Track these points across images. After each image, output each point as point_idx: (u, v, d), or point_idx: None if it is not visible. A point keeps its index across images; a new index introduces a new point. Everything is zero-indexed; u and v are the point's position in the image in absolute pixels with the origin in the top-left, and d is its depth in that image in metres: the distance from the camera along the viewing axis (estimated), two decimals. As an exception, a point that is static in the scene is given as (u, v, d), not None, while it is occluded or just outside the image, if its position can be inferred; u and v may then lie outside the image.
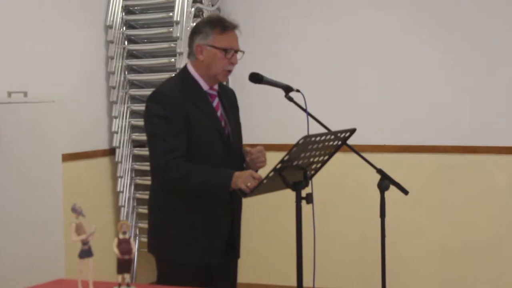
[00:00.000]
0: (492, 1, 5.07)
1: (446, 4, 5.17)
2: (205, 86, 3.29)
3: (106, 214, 5.44)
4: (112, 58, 5.42)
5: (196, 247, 3.23)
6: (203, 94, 3.28)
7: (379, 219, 3.17)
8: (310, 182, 3.04)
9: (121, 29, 5.48)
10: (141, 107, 5.26)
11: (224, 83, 3.53)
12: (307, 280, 3.05)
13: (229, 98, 3.43)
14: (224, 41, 3.24)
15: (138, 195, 5.51)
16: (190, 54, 3.32)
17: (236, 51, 3.27)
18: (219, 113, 3.30)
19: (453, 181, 5.18)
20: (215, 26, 3.24)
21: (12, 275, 3.92)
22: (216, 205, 3.23)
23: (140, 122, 5.26)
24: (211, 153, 3.22)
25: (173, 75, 3.54)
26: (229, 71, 3.30)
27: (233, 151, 3.30)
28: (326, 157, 3.11)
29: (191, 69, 3.30)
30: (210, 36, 3.23)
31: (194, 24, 3.69)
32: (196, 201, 3.19)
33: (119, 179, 5.45)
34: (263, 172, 3.01)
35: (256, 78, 3.30)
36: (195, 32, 3.30)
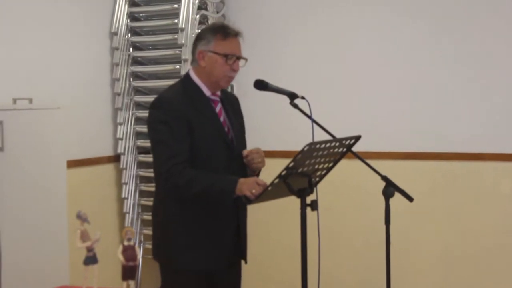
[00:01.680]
0: (498, 7, 5.06)
1: (450, 10, 5.17)
2: (207, 92, 3.30)
3: (111, 221, 5.44)
4: (117, 64, 5.43)
5: (200, 254, 3.23)
6: (206, 100, 3.29)
7: (383, 226, 3.17)
8: (315, 189, 3.04)
9: (126, 36, 5.49)
10: (146, 113, 5.22)
11: (229, 89, 3.55)
12: (312, 287, 3.05)
13: (232, 105, 3.44)
14: (225, 47, 3.25)
15: (142, 202, 5.51)
16: (193, 61, 3.34)
17: (238, 58, 3.28)
18: (222, 119, 3.31)
19: (458, 188, 5.17)
20: (217, 33, 3.26)
21: (17, 282, 3.92)
22: (220, 211, 3.23)
23: (145, 128, 5.23)
24: (214, 158, 3.22)
25: (176, 81, 3.54)
26: (231, 77, 3.30)
27: (236, 156, 3.30)
28: (331, 164, 3.11)
29: (193, 75, 3.31)
30: (211, 42, 3.25)
31: (199, 31, 3.70)
32: (200, 207, 3.20)
33: (124, 186, 5.45)
34: (267, 179, 3.01)
35: (261, 85, 3.31)
36: (197, 38, 3.32)
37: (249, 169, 3.32)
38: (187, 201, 3.18)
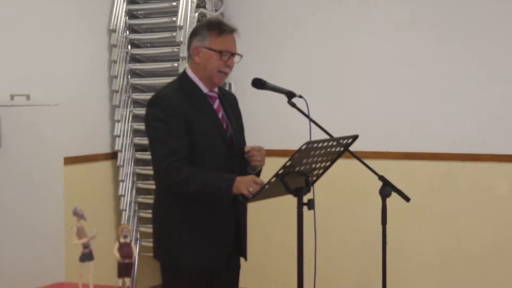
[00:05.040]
0: (498, 8, 5.06)
1: (449, 10, 5.17)
2: (204, 88, 3.29)
3: (107, 218, 5.43)
4: (115, 62, 5.42)
5: (199, 252, 3.22)
6: (203, 97, 3.29)
7: (380, 226, 3.17)
8: (312, 188, 3.04)
9: (125, 33, 5.48)
10: (143, 111, 5.23)
11: (227, 88, 3.54)
12: (308, 285, 3.05)
13: (230, 103, 3.44)
14: (220, 44, 3.24)
15: (139, 199, 5.51)
16: (188, 57, 3.33)
17: (233, 54, 3.28)
18: (220, 115, 3.30)
19: (455, 189, 5.17)
20: (212, 29, 3.25)
21: (12, 278, 3.92)
22: (219, 209, 3.22)
23: (142, 126, 5.27)
24: (213, 155, 3.21)
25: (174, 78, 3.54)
26: (225, 73, 3.30)
27: (235, 153, 3.29)
28: (328, 163, 3.11)
29: (189, 72, 3.31)
30: (207, 39, 3.24)
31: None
32: (199, 205, 3.19)
33: (121, 183, 5.45)
34: (265, 178, 3.01)
35: (259, 83, 3.31)
36: (193, 34, 3.31)
37: (249, 167, 3.32)
38: (187, 199, 3.17)
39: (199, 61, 3.26)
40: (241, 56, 3.31)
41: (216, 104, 3.31)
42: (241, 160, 3.30)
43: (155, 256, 3.36)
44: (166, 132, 3.14)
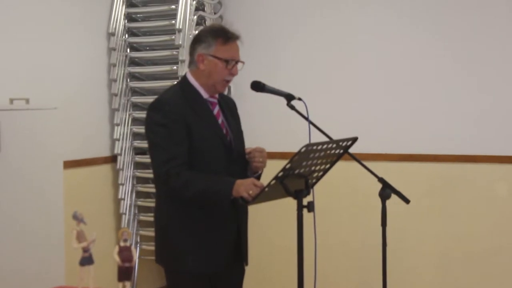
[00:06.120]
0: (494, 11, 5.06)
1: (450, 12, 5.17)
2: (204, 94, 3.30)
3: (107, 222, 5.43)
4: (114, 65, 5.43)
5: (201, 256, 3.23)
6: (203, 102, 3.29)
7: (380, 228, 3.17)
8: (311, 190, 3.05)
9: (124, 37, 5.49)
10: (142, 114, 5.27)
11: (226, 92, 3.54)
12: (308, 288, 3.05)
13: (230, 108, 3.44)
14: (226, 52, 3.24)
15: (139, 203, 5.51)
16: (191, 63, 3.32)
17: (237, 62, 3.28)
18: (220, 121, 3.31)
19: (454, 190, 5.17)
20: (217, 37, 3.25)
21: (12, 282, 3.92)
22: (221, 213, 3.22)
23: (142, 129, 5.27)
24: (213, 161, 3.22)
25: (174, 83, 3.54)
26: (228, 82, 3.31)
27: (235, 158, 3.30)
28: (327, 166, 3.11)
29: (190, 78, 3.30)
30: (212, 46, 3.24)
31: (196, 32, 3.70)
32: (201, 209, 3.19)
33: (121, 187, 5.45)
34: (264, 180, 3.01)
35: (258, 86, 3.31)
36: (197, 41, 3.30)
37: (250, 169, 3.32)
38: (188, 203, 3.17)
39: (204, 68, 3.26)
40: (243, 63, 3.32)
41: (216, 109, 3.32)
42: (241, 165, 3.31)
43: (157, 261, 3.36)
44: (167, 137, 3.14)
